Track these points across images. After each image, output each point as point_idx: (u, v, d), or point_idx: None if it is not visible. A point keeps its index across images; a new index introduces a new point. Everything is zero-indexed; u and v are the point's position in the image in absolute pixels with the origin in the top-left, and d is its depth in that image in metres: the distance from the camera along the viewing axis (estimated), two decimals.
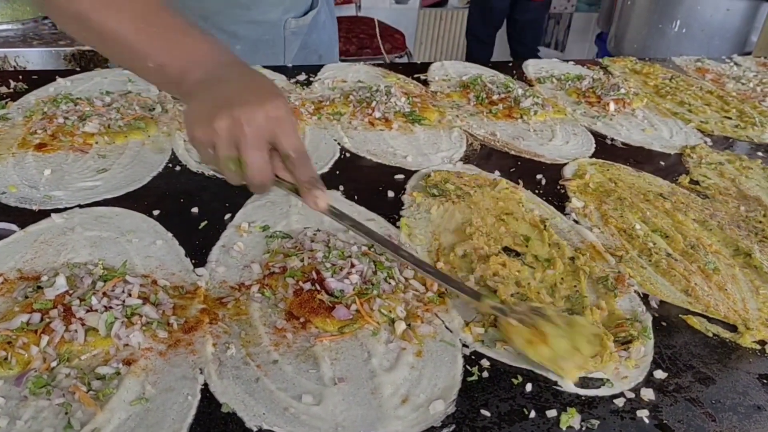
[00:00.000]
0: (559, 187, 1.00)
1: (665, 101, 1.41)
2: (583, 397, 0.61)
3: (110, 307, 0.63)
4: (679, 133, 1.26)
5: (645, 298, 0.76)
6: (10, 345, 0.58)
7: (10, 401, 0.55)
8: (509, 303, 0.68)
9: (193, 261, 0.75)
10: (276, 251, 0.77)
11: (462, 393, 0.60)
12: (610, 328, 0.69)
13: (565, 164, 1.08)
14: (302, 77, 1.33)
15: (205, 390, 0.58)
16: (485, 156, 1.08)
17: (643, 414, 0.60)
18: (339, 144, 1.07)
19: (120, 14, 0.74)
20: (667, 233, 0.89)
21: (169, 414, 0.55)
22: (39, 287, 0.66)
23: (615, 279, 0.77)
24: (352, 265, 0.72)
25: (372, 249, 0.77)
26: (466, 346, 0.66)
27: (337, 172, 0.99)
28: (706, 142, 1.22)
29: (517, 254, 0.81)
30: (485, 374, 0.63)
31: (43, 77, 1.22)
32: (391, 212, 0.89)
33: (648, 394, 0.62)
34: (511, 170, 1.04)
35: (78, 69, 1.26)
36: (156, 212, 0.84)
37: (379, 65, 1.46)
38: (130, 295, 0.65)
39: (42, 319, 0.61)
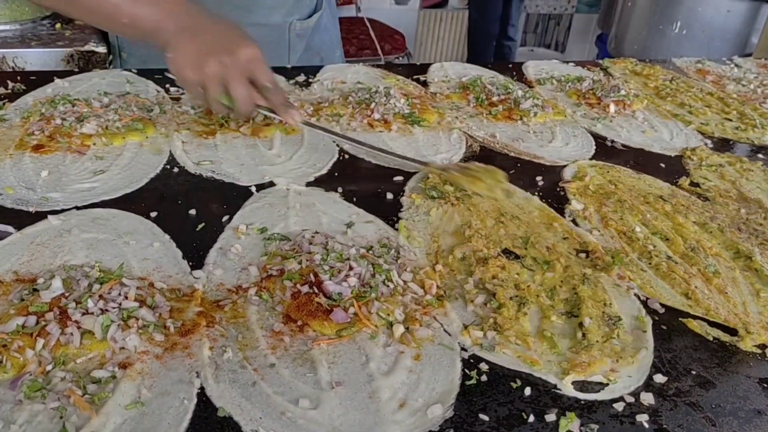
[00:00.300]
0: (558, 189, 1.00)
1: (665, 103, 1.41)
2: (582, 402, 0.61)
3: (106, 310, 0.62)
4: (679, 135, 1.25)
5: (645, 302, 0.75)
6: (6, 348, 0.58)
7: (5, 405, 0.55)
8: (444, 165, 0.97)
9: (191, 263, 0.75)
10: (274, 254, 0.77)
11: (460, 397, 0.60)
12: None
13: (565, 166, 1.07)
14: (301, 78, 1.33)
15: (202, 394, 0.58)
16: (485, 158, 1.08)
17: (642, 418, 0.59)
18: (338, 146, 1.06)
19: None
20: (667, 236, 0.88)
21: (165, 418, 0.55)
22: (35, 290, 0.66)
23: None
24: (351, 268, 0.71)
25: (370, 251, 0.77)
26: (465, 350, 0.66)
27: (336, 174, 0.99)
28: (706, 144, 1.22)
29: (517, 257, 0.81)
30: (484, 378, 0.62)
31: (41, 78, 1.21)
32: (390, 214, 0.88)
33: (647, 398, 0.62)
34: (511, 172, 1.03)
35: (76, 70, 1.26)
36: (153, 214, 0.84)
37: (378, 66, 1.46)
38: (126, 297, 0.65)
39: (38, 322, 0.61)
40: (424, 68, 1.47)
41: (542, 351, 0.66)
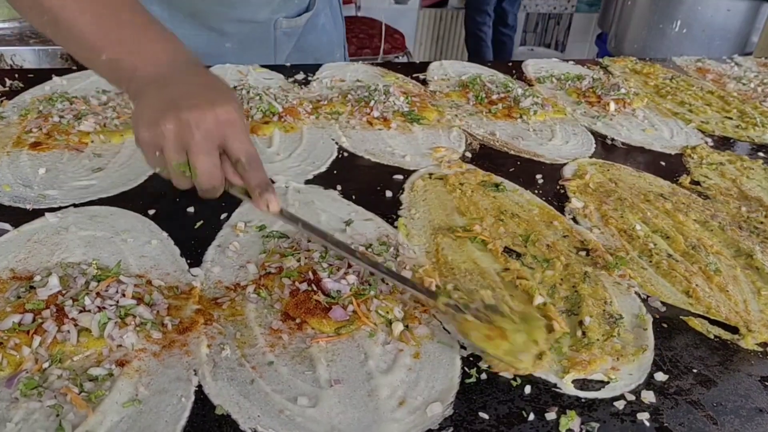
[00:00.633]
0: (558, 188, 0.99)
1: (666, 101, 1.40)
2: (582, 400, 0.60)
3: (103, 308, 0.62)
4: (679, 134, 1.25)
5: (645, 300, 0.75)
6: (2, 346, 0.58)
7: (1, 403, 0.54)
8: (464, 299, 0.66)
9: (189, 261, 0.74)
10: (272, 251, 0.76)
11: (460, 395, 0.60)
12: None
13: (565, 164, 1.07)
14: (300, 76, 1.32)
15: (199, 392, 0.57)
16: (484, 156, 1.07)
17: (643, 417, 0.59)
18: (337, 143, 1.06)
19: (80, 2, 0.73)
20: (667, 234, 0.88)
21: (163, 416, 0.55)
22: (32, 287, 0.65)
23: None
24: (349, 266, 0.71)
25: (369, 249, 0.76)
26: (464, 348, 0.65)
27: (335, 172, 0.98)
28: (706, 143, 1.22)
29: (517, 255, 0.81)
30: (483, 376, 0.62)
31: (39, 76, 1.21)
32: (389, 212, 0.88)
33: (648, 396, 0.61)
34: (511, 170, 1.03)
35: (74, 68, 1.26)
36: (151, 212, 0.83)
37: (378, 65, 1.45)
38: (123, 295, 0.64)
39: (34, 320, 0.60)
40: (423, 66, 1.46)
41: None
